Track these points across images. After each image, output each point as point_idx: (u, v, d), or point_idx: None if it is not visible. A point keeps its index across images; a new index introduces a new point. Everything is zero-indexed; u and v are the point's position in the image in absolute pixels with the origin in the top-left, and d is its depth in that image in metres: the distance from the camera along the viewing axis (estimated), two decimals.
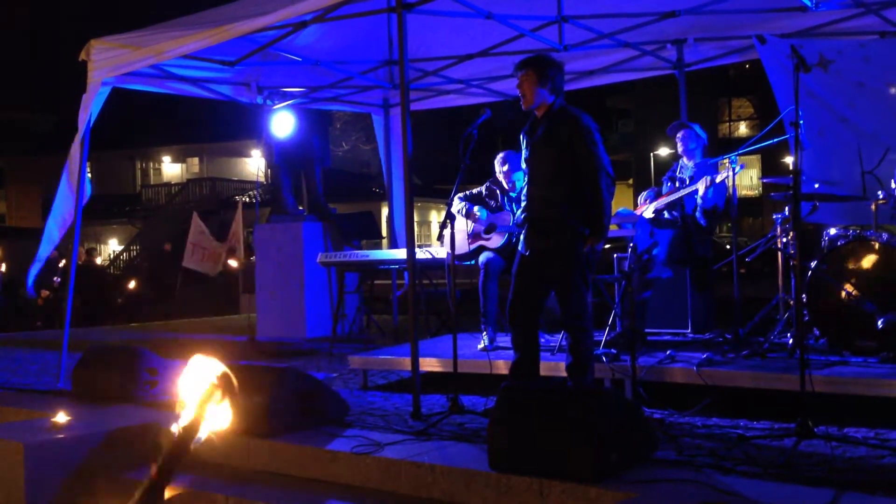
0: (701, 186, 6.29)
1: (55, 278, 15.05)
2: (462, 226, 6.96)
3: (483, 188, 7.09)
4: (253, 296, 10.58)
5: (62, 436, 5.06)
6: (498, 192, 7.00)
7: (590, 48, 7.87)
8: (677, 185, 6.67)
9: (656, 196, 6.73)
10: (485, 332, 6.57)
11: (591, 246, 5.00)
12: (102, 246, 37.54)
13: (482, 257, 6.81)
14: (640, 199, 6.85)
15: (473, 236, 6.98)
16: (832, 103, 7.21)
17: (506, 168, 6.89)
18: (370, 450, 4.42)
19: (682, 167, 6.78)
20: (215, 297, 16.35)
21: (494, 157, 7.02)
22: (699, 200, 6.39)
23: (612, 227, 6.54)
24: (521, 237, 5.24)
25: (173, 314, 16.11)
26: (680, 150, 6.78)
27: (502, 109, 8.26)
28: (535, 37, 7.22)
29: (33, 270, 7.66)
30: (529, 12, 7.02)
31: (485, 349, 6.34)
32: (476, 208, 6.94)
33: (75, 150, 7.22)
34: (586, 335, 5.06)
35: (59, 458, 4.90)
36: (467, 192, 7.15)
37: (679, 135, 6.77)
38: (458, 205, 6.96)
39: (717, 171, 6.44)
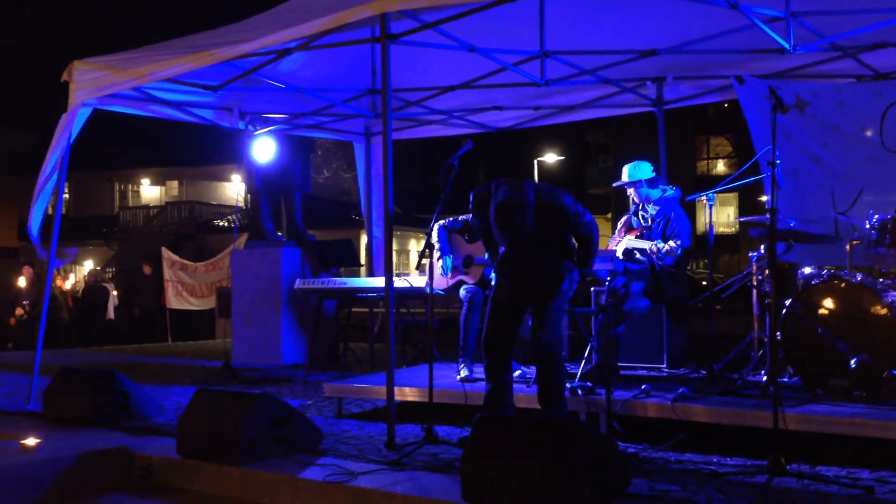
0: (651, 249, 6.22)
1: (24, 302, 14.91)
2: (437, 260, 6.92)
3: (469, 216, 7.00)
4: (229, 321, 10.51)
5: (30, 458, 4.99)
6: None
7: (571, 83, 7.96)
8: (641, 221, 6.63)
9: (628, 228, 6.71)
10: (463, 365, 6.55)
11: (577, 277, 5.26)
12: (78, 267, 37.17)
13: (464, 290, 6.76)
14: (619, 224, 6.85)
15: (452, 270, 6.95)
16: (807, 145, 7.32)
17: None
18: (343, 479, 4.40)
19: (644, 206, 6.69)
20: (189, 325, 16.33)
21: (474, 188, 6.98)
22: (659, 262, 6.32)
23: None
24: (499, 268, 5.25)
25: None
26: (637, 201, 6.69)
27: (483, 141, 8.31)
28: (517, 70, 7.29)
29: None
30: (512, 47, 7.10)
31: (464, 380, 6.32)
32: (440, 261, 6.86)
33: (49, 170, 7.13)
34: (560, 363, 5.13)
35: (27, 480, 4.83)
36: (455, 218, 7.06)
37: (628, 192, 6.71)
38: (436, 241, 6.89)
39: (676, 207, 6.43)
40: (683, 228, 6.36)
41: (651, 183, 6.57)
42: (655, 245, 6.17)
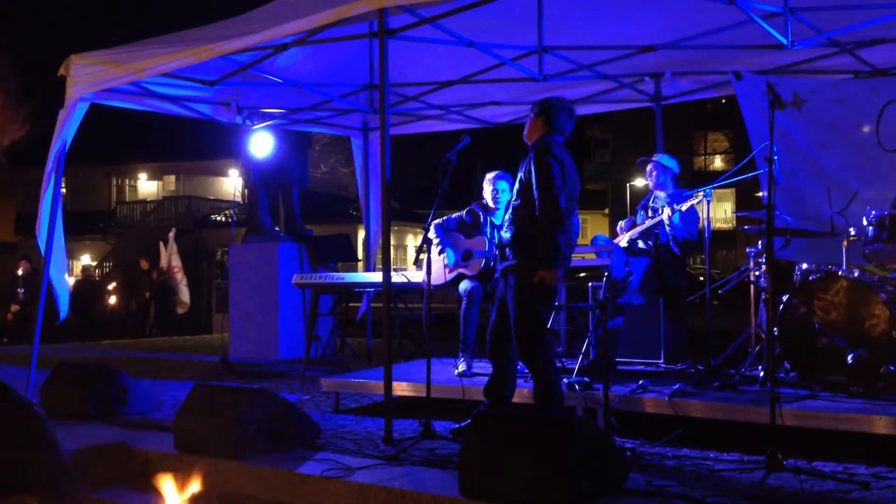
0: (664, 216, 6.34)
1: (19, 290, 14.89)
2: (438, 255, 6.90)
3: (464, 212, 6.99)
4: (226, 315, 10.52)
5: None
6: (481, 214, 6.89)
7: (569, 79, 7.95)
8: (650, 214, 6.72)
9: (632, 226, 6.78)
10: (463, 359, 6.55)
11: (541, 278, 4.84)
12: (74, 262, 37.14)
13: (464, 285, 6.72)
14: (618, 228, 6.90)
15: (453, 265, 6.92)
16: (803, 144, 7.32)
17: (495, 184, 6.80)
18: (341, 474, 4.40)
19: (655, 197, 6.83)
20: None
21: (472, 183, 6.99)
22: (668, 230, 6.43)
23: (590, 256, 6.59)
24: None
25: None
26: (651, 184, 6.82)
27: (481, 136, 8.30)
28: (515, 66, 7.29)
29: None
30: (510, 42, 7.09)
31: (462, 374, 6.31)
32: (444, 255, 6.85)
33: (50, 166, 7.13)
34: (539, 364, 4.97)
35: None
36: (449, 217, 7.05)
37: (647, 169, 6.83)
38: (434, 238, 6.87)
39: (685, 200, 6.50)
40: (688, 219, 6.44)
41: (674, 178, 6.83)
42: (669, 209, 6.24)
